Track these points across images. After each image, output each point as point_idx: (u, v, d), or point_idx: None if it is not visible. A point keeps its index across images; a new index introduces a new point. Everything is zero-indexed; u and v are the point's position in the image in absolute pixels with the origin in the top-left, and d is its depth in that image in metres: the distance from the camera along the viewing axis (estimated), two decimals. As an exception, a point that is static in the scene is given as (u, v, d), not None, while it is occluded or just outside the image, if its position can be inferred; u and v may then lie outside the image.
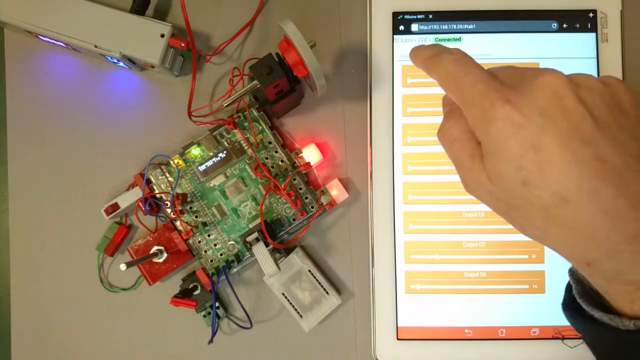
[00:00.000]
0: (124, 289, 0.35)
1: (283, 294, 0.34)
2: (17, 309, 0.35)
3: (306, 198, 0.34)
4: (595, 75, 0.34)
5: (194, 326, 0.35)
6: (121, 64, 0.35)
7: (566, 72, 0.20)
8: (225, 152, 0.34)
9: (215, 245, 0.34)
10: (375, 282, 0.34)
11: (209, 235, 0.34)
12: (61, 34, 0.33)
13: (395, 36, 0.35)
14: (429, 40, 0.35)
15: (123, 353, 0.35)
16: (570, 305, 0.23)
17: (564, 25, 0.35)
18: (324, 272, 0.35)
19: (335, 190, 0.34)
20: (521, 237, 0.33)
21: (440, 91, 0.24)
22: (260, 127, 0.34)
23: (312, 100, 0.36)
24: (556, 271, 0.34)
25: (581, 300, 0.22)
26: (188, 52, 0.34)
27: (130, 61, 0.34)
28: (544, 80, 0.20)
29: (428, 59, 0.24)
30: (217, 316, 0.34)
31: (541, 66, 0.34)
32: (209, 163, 0.34)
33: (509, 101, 0.20)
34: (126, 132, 0.36)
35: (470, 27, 0.35)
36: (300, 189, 0.34)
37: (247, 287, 0.35)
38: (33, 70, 0.36)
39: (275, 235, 0.34)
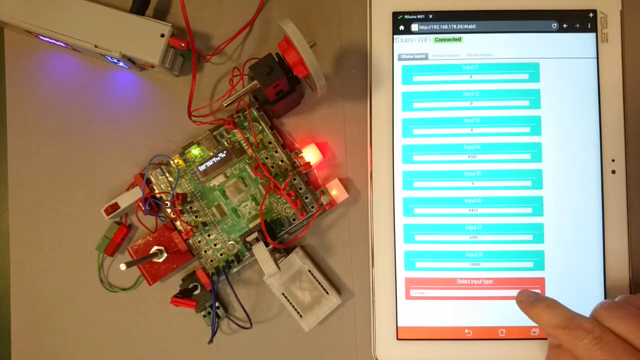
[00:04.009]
0: (124, 289, 0.35)
1: (283, 294, 0.34)
2: (17, 309, 0.35)
3: (306, 198, 0.34)
4: (595, 75, 0.35)
5: (194, 326, 0.35)
6: (121, 64, 0.35)
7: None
8: (225, 152, 0.34)
9: (215, 245, 0.34)
10: (376, 282, 0.34)
11: (209, 235, 0.34)
12: (61, 34, 0.33)
13: (395, 36, 0.35)
14: (428, 40, 0.35)
15: (123, 353, 0.35)
16: None
17: (564, 25, 0.35)
18: (324, 272, 0.35)
19: (335, 190, 0.34)
20: (522, 245, 0.34)
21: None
22: (260, 127, 0.34)
23: (312, 100, 0.36)
24: (556, 278, 0.34)
25: None
26: (188, 52, 0.34)
27: (130, 61, 0.34)
28: None
29: (561, 328, 0.26)
30: (217, 316, 0.34)
31: (541, 66, 0.34)
32: (209, 163, 0.34)
33: None
34: (126, 132, 0.36)
35: (471, 27, 0.35)
36: (300, 189, 0.34)
37: (247, 287, 0.35)
38: (33, 70, 0.36)
39: (275, 235, 0.34)
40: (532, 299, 0.28)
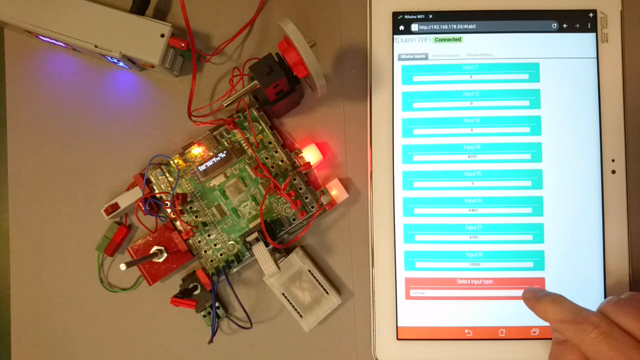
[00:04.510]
0: (124, 289, 0.35)
1: (283, 294, 0.34)
2: (17, 309, 0.35)
3: (306, 198, 0.34)
4: (595, 75, 0.35)
5: (194, 326, 0.35)
6: (121, 64, 0.35)
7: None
8: (225, 152, 0.34)
9: (215, 245, 0.34)
10: (376, 282, 0.34)
11: (209, 235, 0.34)
12: (61, 34, 0.33)
13: (395, 36, 0.35)
14: (428, 40, 0.35)
15: (123, 353, 0.35)
16: None
17: (564, 25, 0.35)
18: (324, 272, 0.35)
19: (335, 190, 0.34)
20: (522, 245, 0.34)
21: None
22: (260, 127, 0.34)
23: (312, 100, 0.36)
24: (556, 278, 0.34)
25: None
26: (188, 52, 0.34)
27: (130, 61, 0.34)
28: None
29: (567, 323, 0.26)
30: (217, 316, 0.34)
31: (541, 66, 0.34)
32: (209, 163, 0.34)
33: None
34: (126, 132, 0.36)
35: (471, 27, 0.35)
36: (300, 189, 0.34)
37: (247, 287, 0.35)
38: (33, 70, 0.36)
39: (275, 235, 0.34)
40: (538, 294, 0.28)
